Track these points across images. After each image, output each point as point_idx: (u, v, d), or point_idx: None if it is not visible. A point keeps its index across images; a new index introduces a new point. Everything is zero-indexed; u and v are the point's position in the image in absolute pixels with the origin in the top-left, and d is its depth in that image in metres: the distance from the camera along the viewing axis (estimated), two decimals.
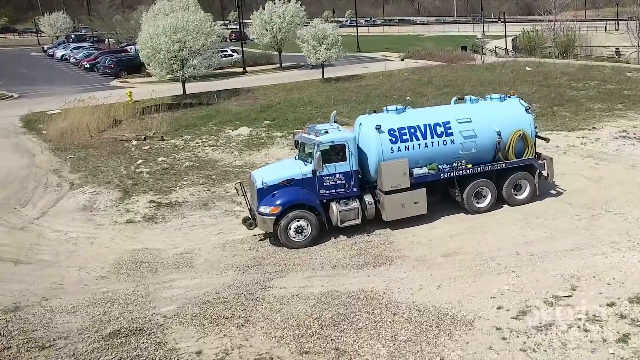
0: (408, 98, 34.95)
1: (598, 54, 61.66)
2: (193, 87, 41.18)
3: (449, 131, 16.60)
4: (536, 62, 48.82)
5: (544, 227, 16.10)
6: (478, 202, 17.26)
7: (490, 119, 17.16)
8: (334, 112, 17.68)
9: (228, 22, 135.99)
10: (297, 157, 16.56)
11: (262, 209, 15.45)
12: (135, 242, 16.43)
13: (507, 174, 17.39)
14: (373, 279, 13.49)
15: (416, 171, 16.29)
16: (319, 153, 15.20)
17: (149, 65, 37.17)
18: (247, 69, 53.39)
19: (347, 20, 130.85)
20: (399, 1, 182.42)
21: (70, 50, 70.48)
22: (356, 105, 33.63)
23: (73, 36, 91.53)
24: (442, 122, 16.61)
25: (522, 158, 17.41)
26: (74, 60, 64.67)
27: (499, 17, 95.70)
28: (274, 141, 26.77)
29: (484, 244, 15.29)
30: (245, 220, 16.17)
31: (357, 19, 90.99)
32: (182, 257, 15.31)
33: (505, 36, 65.52)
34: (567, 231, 15.79)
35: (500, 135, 17.03)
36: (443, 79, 41.64)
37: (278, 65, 54.38)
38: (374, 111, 16.83)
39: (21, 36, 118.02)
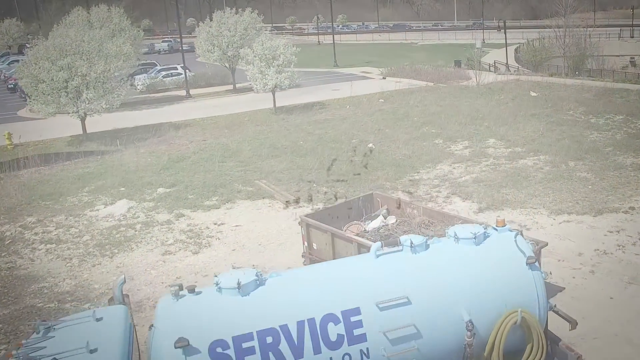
0: (370, 145, 25.94)
1: (612, 64, 53.54)
2: (107, 121, 32.11)
3: (356, 332, 7.47)
4: (543, 84, 39.86)
5: None
6: None
7: (450, 291, 8.05)
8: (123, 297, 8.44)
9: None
10: None
11: None
12: None
13: None
14: None
15: None
16: None
17: (29, 97, 28.25)
18: (195, 91, 44.44)
19: (339, 26, 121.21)
20: (397, 5, 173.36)
21: (8, 64, 61.40)
22: (295, 157, 24.58)
23: (28, 46, 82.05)
24: (342, 312, 7.50)
25: None
26: (3, 77, 55.63)
27: (498, 25, 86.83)
28: (149, 233, 17.61)
29: None
30: None
31: (348, 23, 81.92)
32: None
33: (506, 47, 56.35)
34: None
35: (472, 327, 7.92)
36: (424, 111, 32.62)
37: (232, 87, 45.25)
38: (192, 289, 7.59)
39: None
